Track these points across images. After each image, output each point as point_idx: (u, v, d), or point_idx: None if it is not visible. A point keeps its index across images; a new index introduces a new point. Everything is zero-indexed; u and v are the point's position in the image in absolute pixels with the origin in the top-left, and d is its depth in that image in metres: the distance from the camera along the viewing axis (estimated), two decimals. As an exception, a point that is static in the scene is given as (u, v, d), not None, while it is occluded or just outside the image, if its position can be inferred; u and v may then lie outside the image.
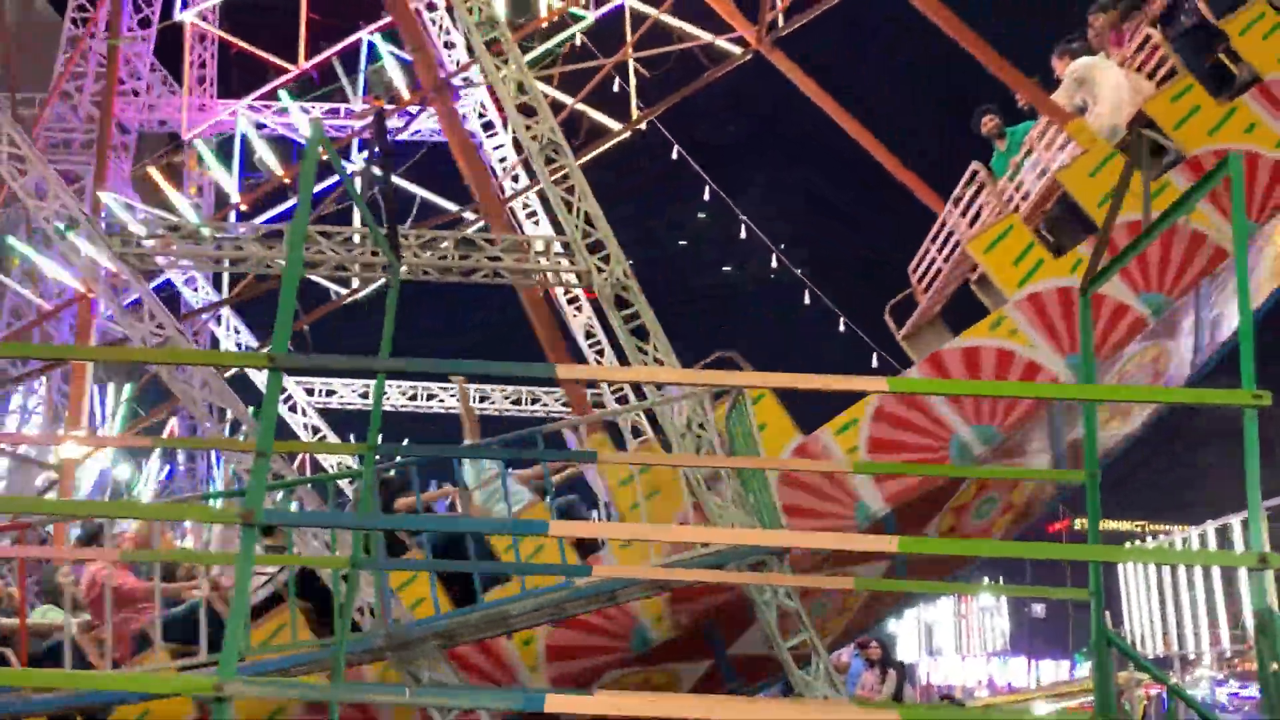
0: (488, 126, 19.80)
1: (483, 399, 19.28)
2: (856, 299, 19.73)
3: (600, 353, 16.41)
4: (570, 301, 16.98)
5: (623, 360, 11.42)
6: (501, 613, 7.59)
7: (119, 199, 18.03)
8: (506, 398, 19.71)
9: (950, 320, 11.84)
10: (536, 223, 18.71)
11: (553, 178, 8.94)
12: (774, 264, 21.87)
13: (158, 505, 9.50)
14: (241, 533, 3.62)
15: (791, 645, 7.89)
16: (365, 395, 19.84)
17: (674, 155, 19.36)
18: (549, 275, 9.28)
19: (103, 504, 16.90)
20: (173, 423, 28.05)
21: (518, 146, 17.44)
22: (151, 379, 20.64)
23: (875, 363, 17.31)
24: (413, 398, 20.28)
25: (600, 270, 8.63)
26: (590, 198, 8.73)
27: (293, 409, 18.90)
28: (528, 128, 9.15)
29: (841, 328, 20.20)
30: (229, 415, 8.65)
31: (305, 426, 18.91)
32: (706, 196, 20.46)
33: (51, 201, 9.12)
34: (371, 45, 19.47)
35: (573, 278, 9.51)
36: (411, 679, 7.44)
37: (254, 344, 20.04)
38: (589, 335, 16.57)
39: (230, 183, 19.92)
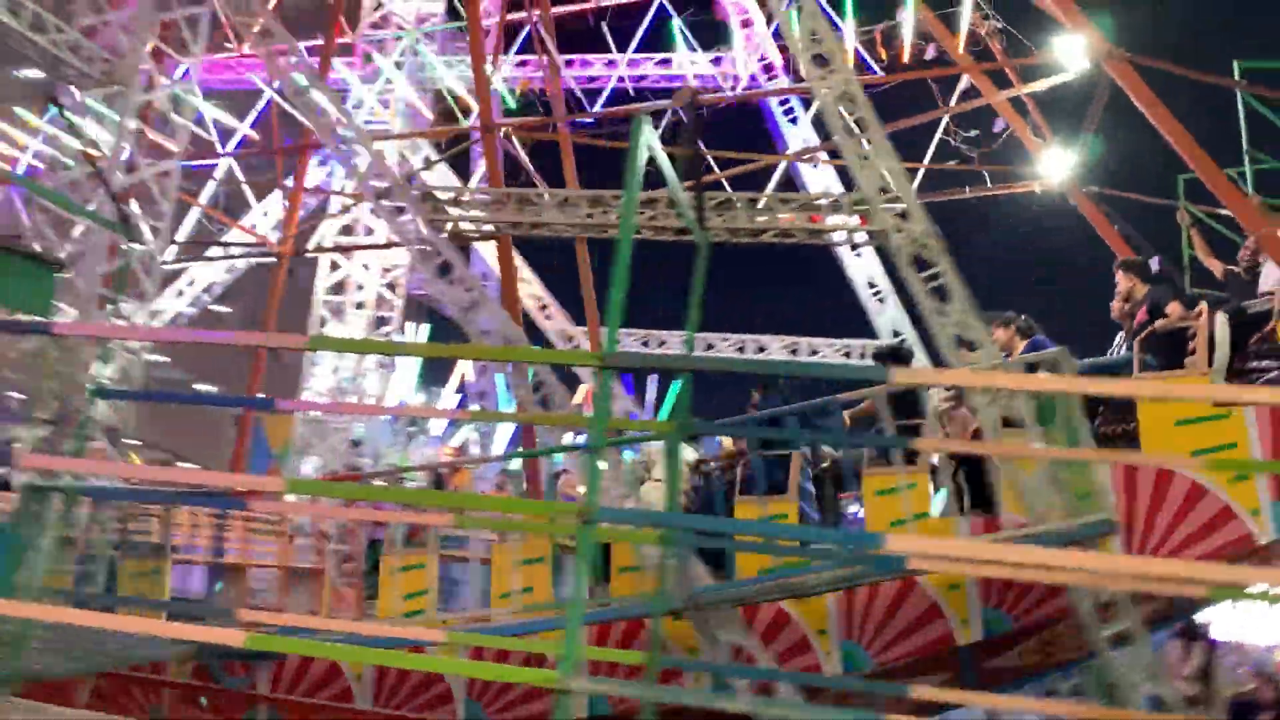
0: (767, 69, 19.41)
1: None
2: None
3: (881, 300, 15.87)
4: (852, 247, 16.44)
5: (911, 314, 10.95)
6: (801, 582, 7.56)
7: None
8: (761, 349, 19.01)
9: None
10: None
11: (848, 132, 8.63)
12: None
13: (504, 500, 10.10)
14: (579, 531, 3.71)
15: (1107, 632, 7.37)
16: (645, 343, 20.17)
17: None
18: (840, 234, 9.03)
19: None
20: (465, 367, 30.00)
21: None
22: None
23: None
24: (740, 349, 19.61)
25: (899, 230, 8.28)
26: (890, 153, 8.36)
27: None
28: (821, 78, 8.86)
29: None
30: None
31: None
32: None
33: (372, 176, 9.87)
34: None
35: (861, 235, 9.22)
36: (710, 640, 7.58)
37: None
38: (871, 285, 16.03)
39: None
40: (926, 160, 15.79)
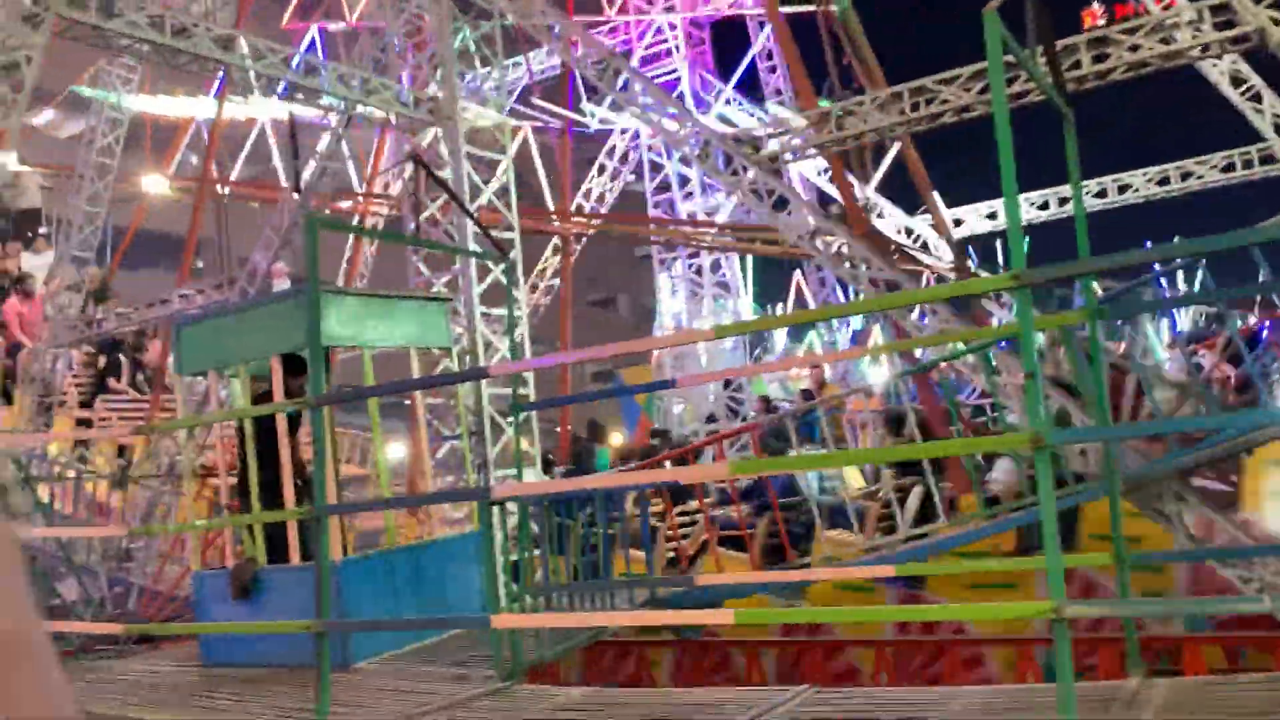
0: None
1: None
2: None
3: (1257, 97, 13.87)
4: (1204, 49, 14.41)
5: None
6: (1247, 440, 6.91)
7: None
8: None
9: None
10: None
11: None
12: None
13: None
14: (1035, 457, 3.58)
15: None
16: (993, 216, 19.08)
17: None
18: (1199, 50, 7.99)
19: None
20: (796, 276, 29.99)
21: None
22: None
23: None
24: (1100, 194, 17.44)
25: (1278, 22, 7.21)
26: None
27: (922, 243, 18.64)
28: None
29: None
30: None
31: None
32: None
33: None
34: None
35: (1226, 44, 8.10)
36: (1160, 516, 7.12)
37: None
38: (1238, 82, 14.00)
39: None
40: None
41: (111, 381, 15.41)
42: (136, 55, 9.56)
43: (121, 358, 15.62)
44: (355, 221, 19.57)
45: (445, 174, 9.95)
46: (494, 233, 10.98)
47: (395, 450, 18.04)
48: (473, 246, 9.90)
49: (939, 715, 4.49)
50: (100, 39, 8.06)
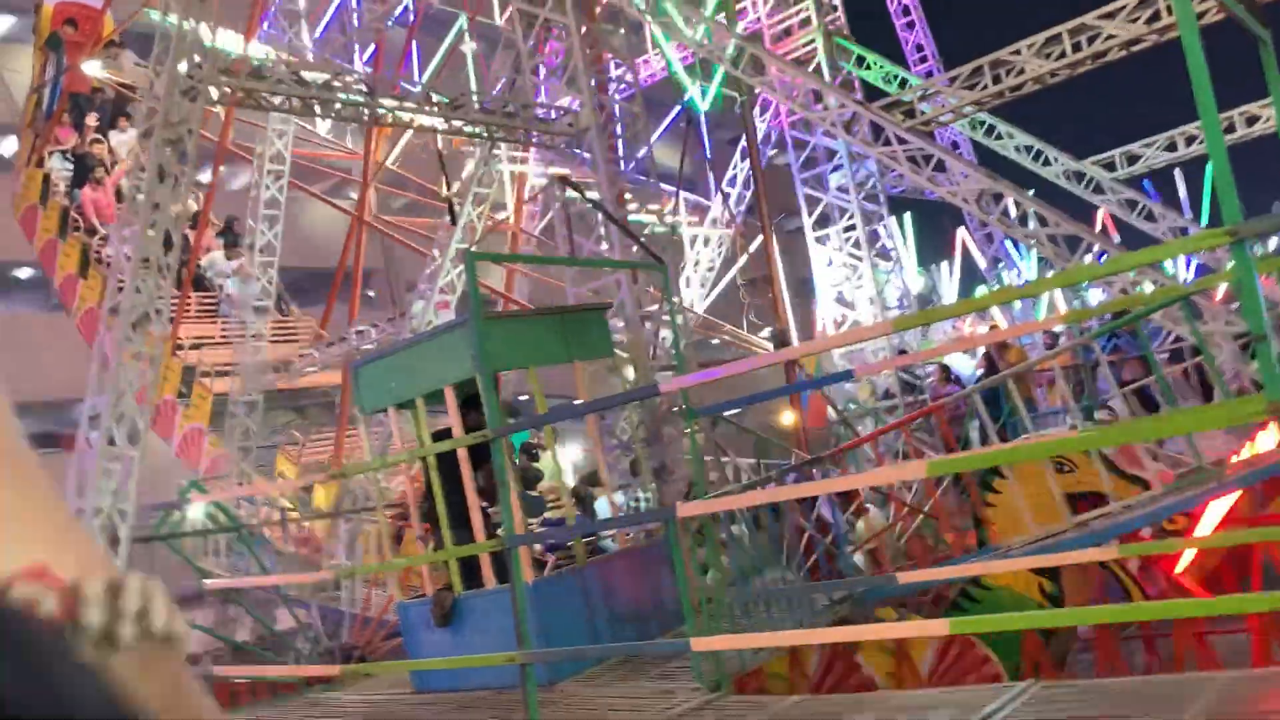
0: None
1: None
2: None
3: None
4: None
5: None
6: None
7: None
8: None
9: None
10: None
11: None
12: None
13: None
14: None
15: None
16: (1172, 148, 17.74)
17: None
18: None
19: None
20: (961, 234, 28.88)
21: None
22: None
23: None
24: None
25: None
26: None
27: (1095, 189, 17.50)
28: None
29: None
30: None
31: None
32: None
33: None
34: None
35: None
36: None
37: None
38: None
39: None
40: None
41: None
42: (288, 111, 9.94)
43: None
44: (509, 238, 19.97)
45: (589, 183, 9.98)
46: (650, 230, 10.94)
47: (570, 453, 18.30)
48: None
49: (1199, 704, 4.10)
50: (253, 100, 8.38)
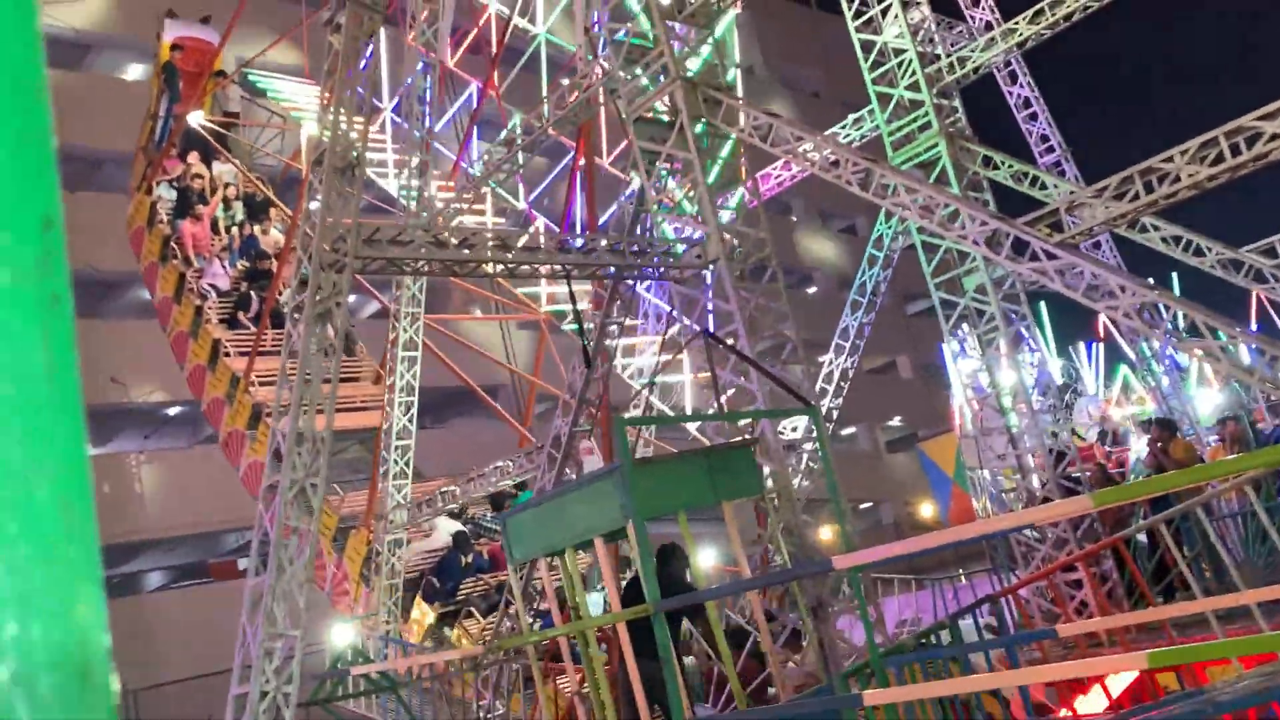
0: None
1: None
2: None
3: None
4: None
5: None
6: None
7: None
8: None
9: None
10: None
11: None
12: None
13: None
14: None
15: None
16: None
17: None
18: None
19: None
20: (1102, 317, 27.83)
21: None
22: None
23: None
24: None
25: None
26: None
27: None
28: None
29: None
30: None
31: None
32: None
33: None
34: None
35: None
36: None
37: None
38: None
39: None
40: None
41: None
42: (427, 275, 10.22)
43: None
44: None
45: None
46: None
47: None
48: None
49: None
50: (394, 267, 8.59)
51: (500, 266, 8.94)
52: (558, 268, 9.34)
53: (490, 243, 8.79)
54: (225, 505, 27.03)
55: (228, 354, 19.56)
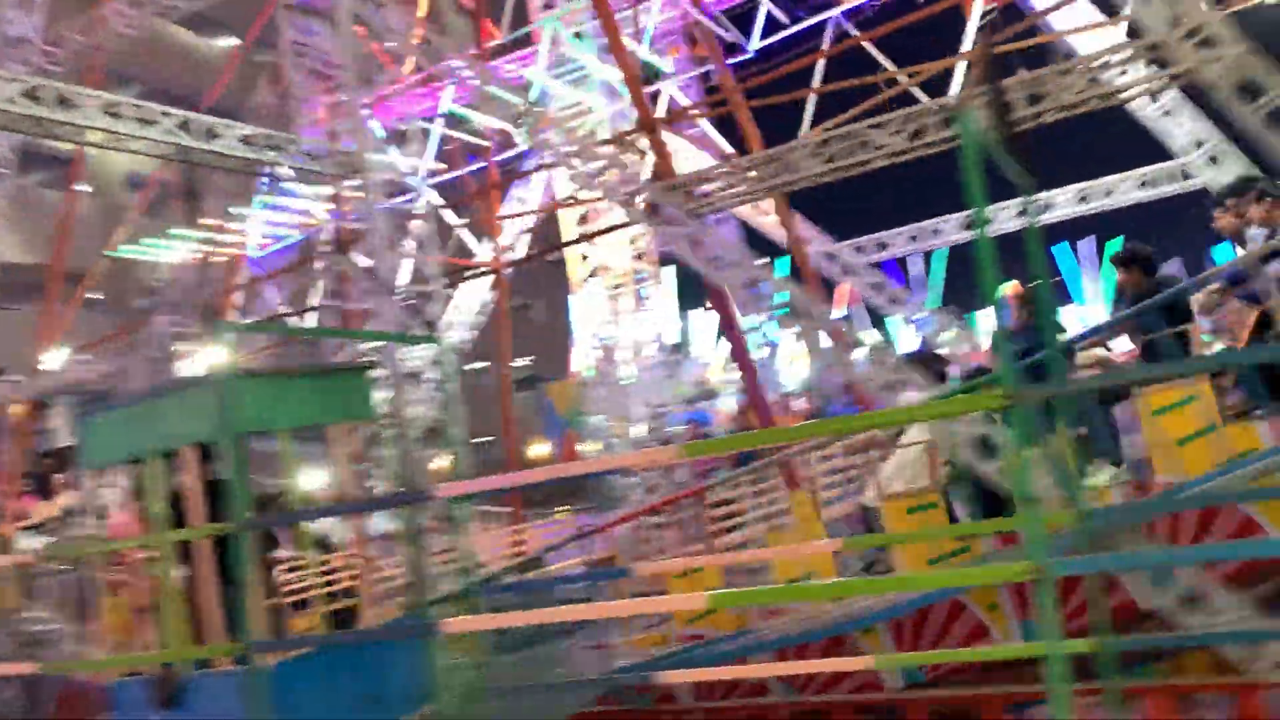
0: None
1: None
2: None
3: (1214, 161, 13.77)
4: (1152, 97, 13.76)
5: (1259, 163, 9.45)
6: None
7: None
8: None
9: None
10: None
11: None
12: None
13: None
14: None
15: None
16: (914, 237, 19.07)
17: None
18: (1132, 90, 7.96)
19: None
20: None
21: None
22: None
23: None
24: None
25: (1210, 60, 7.14)
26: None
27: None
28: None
29: None
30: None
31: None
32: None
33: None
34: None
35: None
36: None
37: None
38: (1200, 145, 13.83)
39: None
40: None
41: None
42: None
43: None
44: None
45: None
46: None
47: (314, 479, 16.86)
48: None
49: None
50: None
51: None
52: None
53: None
54: None
55: None
